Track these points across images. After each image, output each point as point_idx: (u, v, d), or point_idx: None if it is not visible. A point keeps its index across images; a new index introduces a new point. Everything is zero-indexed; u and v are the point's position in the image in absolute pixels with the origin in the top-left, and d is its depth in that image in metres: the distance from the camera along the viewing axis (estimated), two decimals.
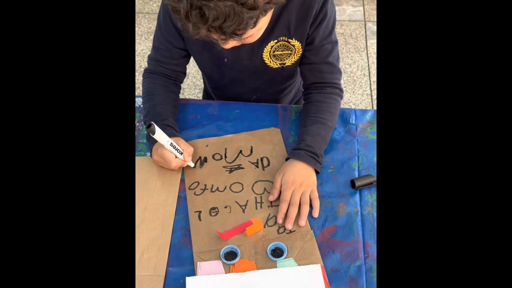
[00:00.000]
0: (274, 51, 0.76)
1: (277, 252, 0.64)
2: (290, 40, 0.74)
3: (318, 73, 0.78)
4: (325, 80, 0.79)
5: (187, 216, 0.69)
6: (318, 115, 0.76)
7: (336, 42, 0.77)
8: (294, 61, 0.79)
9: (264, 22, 0.61)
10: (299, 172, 0.70)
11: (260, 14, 0.55)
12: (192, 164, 0.75)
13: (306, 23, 0.71)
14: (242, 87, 0.87)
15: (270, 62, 0.78)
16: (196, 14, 0.52)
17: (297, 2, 0.69)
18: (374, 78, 1.76)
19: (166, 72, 0.81)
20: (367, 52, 1.88)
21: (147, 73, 0.83)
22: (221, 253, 0.64)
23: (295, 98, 1.00)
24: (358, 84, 1.73)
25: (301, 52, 0.77)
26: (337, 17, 2.14)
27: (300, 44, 0.75)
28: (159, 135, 0.66)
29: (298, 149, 0.72)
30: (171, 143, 0.68)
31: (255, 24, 0.56)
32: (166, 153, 0.70)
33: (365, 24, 2.03)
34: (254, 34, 0.61)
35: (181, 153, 0.71)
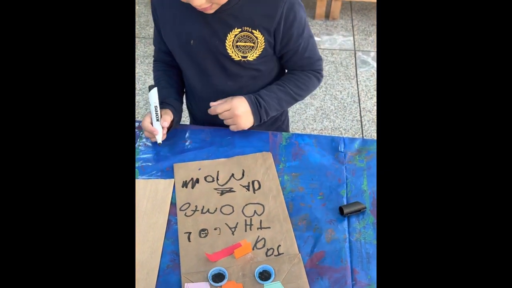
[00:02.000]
0: (237, 41, 0.78)
1: (265, 275, 0.64)
2: (254, 31, 0.77)
3: (298, 67, 0.88)
4: (304, 69, 0.88)
5: (177, 240, 0.69)
6: (283, 82, 0.86)
7: (310, 36, 0.84)
8: (256, 56, 0.80)
9: None
10: (241, 107, 0.82)
11: None
12: (159, 140, 0.81)
13: (272, 17, 0.76)
14: (212, 88, 0.87)
15: (232, 52, 0.80)
16: None
17: None
18: (363, 105, 1.81)
19: (166, 61, 0.92)
20: (357, 80, 1.94)
21: (153, 61, 0.96)
22: (208, 275, 0.64)
23: (276, 122, 0.99)
24: (348, 110, 1.78)
25: (263, 47, 0.79)
26: (328, 46, 2.22)
27: (263, 37, 0.78)
28: (152, 95, 0.79)
29: (249, 95, 0.83)
30: (155, 106, 0.79)
31: None
32: (147, 116, 0.81)
33: (355, 53, 2.10)
34: None
35: (158, 120, 0.80)
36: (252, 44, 0.79)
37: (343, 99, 1.82)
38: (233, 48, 0.79)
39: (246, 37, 0.78)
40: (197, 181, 0.78)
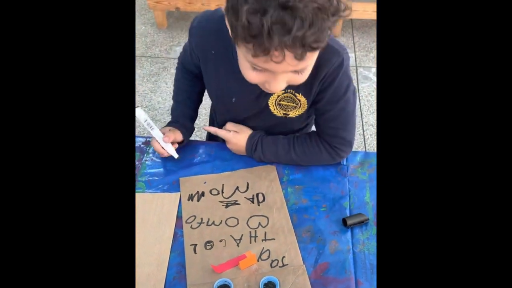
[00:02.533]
0: (280, 100, 0.78)
1: (269, 286, 0.65)
2: (296, 94, 0.76)
3: (319, 130, 0.82)
4: (324, 139, 0.81)
5: (183, 252, 0.70)
6: (293, 143, 0.83)
7: (345, 110, 0.77)
8: (298, 114, 0.80)
9: (313, 59, 0.62)
10: (239, 141, 0.85)
11: (333, 27, 0.54)
12: (175, 155, 0.85)
13: (314, 82, 0.73)
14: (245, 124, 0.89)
15: (274, 109, 0.80)
16: (278, 28, 0.50)
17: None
18: (365, 119, 1.83)
19: (193, 71, 0.89)
20: (358, 95, 1.97)
21: (178, 62, 0.94)
22: (214, 286, 0.65)
23: None
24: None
25: (306, 108, 0.79)
26: None
27: (306, 100, 0.77)
28: (139, 115, 0.82)
29: (259, 132, 0.84)
30: (146, 121, 0.82)
31: (325, 43, 0.55)
32: (153, 140, 0.84)
33: (357, 69, 2.14)
34: (307, 69, 0.62)
35: (152, 128, 0.83)
36: (294, 105, 0.79)
37: None
38: (276, 106, 0.79)
39: (289, 98, 0.78)
40: (203, 194, 0.80)
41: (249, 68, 0.61)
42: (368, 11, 2.20)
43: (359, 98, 1.95)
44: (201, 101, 0.95)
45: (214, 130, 0.88)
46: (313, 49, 0.53)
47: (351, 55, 2.23)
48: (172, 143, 0.85)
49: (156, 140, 0.83)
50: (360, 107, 1.90)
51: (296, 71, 0.61)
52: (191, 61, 0.86)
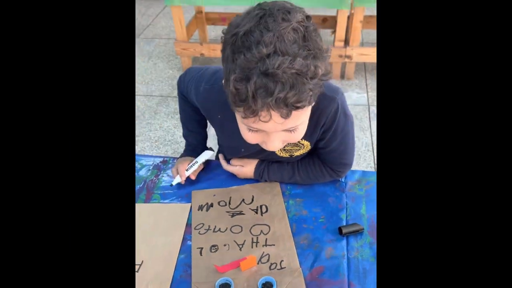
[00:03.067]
0: (285, 147, 0.84)
1: (267, 286, 0.70)
2: (300, 140, 0.81)
3: (321, 157, 0.88)
4: (325, 162, 0.88)
5: (190, 254, 0.77)
6: (297, 168, 0.89)
7: (343, 142, 0.82)
8: (303, 153, 0.86)
9: (307, 115, 0.67)
10: (247, 173, 0.92)
11: (316, 88, 0.59)
12: (182, 180, 0.93)
13: (316, 130, 0.79)
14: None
15: (280, 153, 0.87)
16: (261, 92, 0.56)
17: (312, 110, 0.71)
18: (376, 152, 1.88)
19: (196, 111, 0.93)
20: (370, 131, 2.04)
21: (178, 93, 0.97)
22: (216, 284, 0.71)
23: None
24: (362, 158, 1.85)
25: (309, 148, 0.84)
26: None
27: (309, 143, 0.83)
28: (205, 154, 0.95)
29: (265, 160, 0.91)
30: (197, 162, 0.94)
31: (309, 102, 0.60)
32: (185, 162, 0.94)
33: (369, 108, 2.23)
34: (299, 129, 0.66)
35: (187, 170, 0.92)
36: (298, 148, 0.85)
37: (358, 148, 1.91)
38: (281, 150, 0.86)
39: (293, 143, 0.83)
40: (211, 205, 0.88)
41: (246, 129, 0.67)
42: None
43: (370, 134, 2.02)
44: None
45: (223, 165, 0.94)
46: (296, 108, 0.58)
47: (364, 95, 2.33)
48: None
49: (187, 168, 0.92)
50: (372, 142, 1.96)
51: (288, 130, 0.65)
52: (193, 110, 0.93)
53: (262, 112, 0.58)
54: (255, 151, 0.87)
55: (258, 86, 0.55)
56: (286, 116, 0.59)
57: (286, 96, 0.56)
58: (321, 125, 0.78)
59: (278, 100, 0.56)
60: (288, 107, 0.57)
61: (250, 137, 0.68)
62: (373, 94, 2.34)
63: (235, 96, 0.58)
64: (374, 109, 2.21)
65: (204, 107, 0.85)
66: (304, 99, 0.57)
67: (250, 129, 0.66)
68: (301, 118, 0.64)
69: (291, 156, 0.88)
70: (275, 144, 0.67)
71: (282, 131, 0.65)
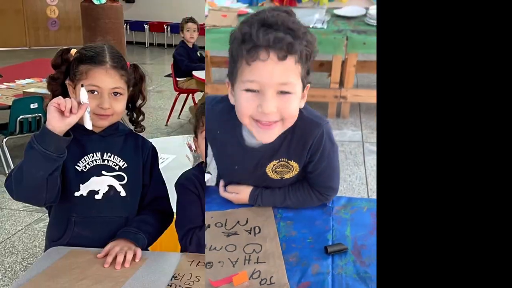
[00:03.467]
0: (276, 168, 0.93)
1: None
2: (289, 161, 0.91)
3: (311, 182, 0.97)
4: (314, 188, 0.97)
5: None
6: (288, 193, 0.96)
7: (330, 167, 0.92)
8: (292, 175, 0.95)
9: (297, 78, 0.77)
10: (242, 200, 0.98)
11: (305, 50, 0.76)
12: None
13: (303, 152, 0.88)
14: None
15: (271, 174, 0.95)
16: (263, 30, 0.72)
17: (300, 133, 0.84)
18: (370, 186, 1.96)
19: None
20: (364, 166, 2.13)
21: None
22: None
23: None
24: (356, 191, 1.93)
25: (298, 171, 0.93)
26: (338, 138, 2.47)
27: (297, 165, 0.92)
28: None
29: (258, 187, 0.97)
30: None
31: (300, 58, 0.75)
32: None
33: (363, 144, 2.33)
34: (291, 98, 0.77)
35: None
36: (288, 170, 0.93)
37: (352, 181, 1.99)
38: (272, 172, 0.94)
39: (283, 165, 0.92)
40: (209, 226, 0.95)
41: (243, 93, 0.76)
42: (371, 96, 2.48)
43: (364, 169, 2.11)
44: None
45: (221, 192, 1.01)
46: (290, 53, 0.72)
47: (358, 132, 2.45)
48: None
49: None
50: (366, 176, 2.04)
51: (281, 92, 0.75)
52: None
53: (261, 52, 0.72)
54: (248, 172, 0.95)
55: (258, 28, 0.72)
56: (282, 58, 0.72)
57: (284, 38, 0.70)
58: (308, 148, 0.88)
59: (276, 39, 0.70)
60: (282, 48, 0.71)
61: (246, 103, 0.77)
62: (367, 132, 2.46)
63: (240, 42, 0.73)
64: (368, 145, 2.32)
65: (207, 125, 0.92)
66: (296, 49, 0.72)
67: (247, 90, 0.76)
68: (291, 76, 0.75)
69: (281, 178, 0.96)
70: (269, 104, 0.75)
71: (277, 94, 0.75)
